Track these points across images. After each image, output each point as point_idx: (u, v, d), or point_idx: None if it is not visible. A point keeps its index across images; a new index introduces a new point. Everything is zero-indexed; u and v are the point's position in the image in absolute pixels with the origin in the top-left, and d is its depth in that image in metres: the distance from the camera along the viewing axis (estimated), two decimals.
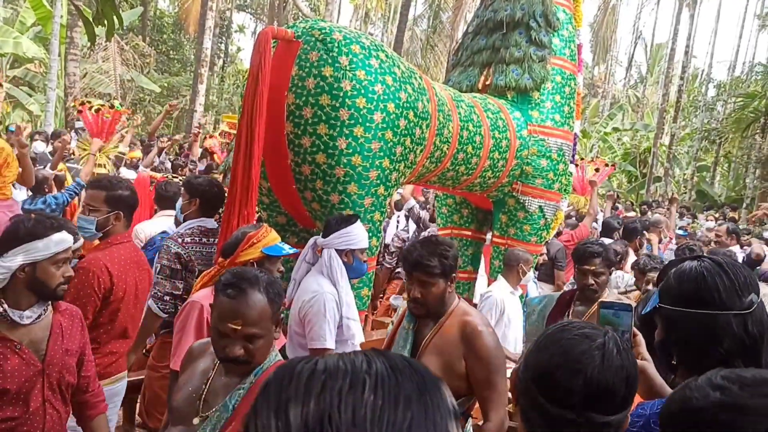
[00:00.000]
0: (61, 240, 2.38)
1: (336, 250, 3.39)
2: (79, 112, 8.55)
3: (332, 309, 3.30)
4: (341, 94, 3.58)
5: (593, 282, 3.51)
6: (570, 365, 1.23)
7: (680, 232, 10.76)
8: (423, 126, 3.99)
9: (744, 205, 20.78)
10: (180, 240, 3.61)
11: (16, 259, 2.28)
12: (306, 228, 4.14)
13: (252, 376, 1.99)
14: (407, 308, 2.81)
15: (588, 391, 1.21)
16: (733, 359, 1.43)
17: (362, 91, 3.61)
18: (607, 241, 7.59)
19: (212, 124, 26.82)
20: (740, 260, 6.81)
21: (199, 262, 3.60)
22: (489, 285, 5.24)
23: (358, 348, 3.36)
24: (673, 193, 12.92)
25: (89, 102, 9.05)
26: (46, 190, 5.98)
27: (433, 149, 4.20)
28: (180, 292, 3.53)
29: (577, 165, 10.59)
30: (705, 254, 1.64)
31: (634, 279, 5.68)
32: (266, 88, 3.43)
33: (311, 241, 3.53)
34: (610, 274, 6.03)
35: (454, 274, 2.70)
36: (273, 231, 3.04)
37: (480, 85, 5.26)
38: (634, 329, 1.55)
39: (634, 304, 1.59)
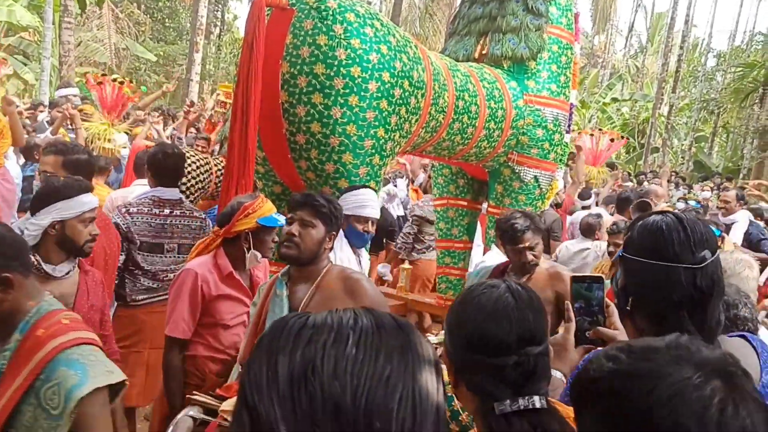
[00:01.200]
0: (88, 201, 2.60)
1: None
2: (100, 84, 8.44)
3: None
4: (336, 63, 3.57)
5: (531, 258, 3.44)
6: (494, 314, 1.36)
7: (692, 203, 10.74)
8: (418, 95, 3.99)
9: (741, 175, 20.80)
10: (123, 210, 3.61)
11: (48, 217, 2.50)
12: None
13: (17, 333, 1.82)
14: (279, 254, 2.74)
15: (517, 331, 1.34)
16: (681, 309, 1.52)
17: (357, 60, 3.60)
18: (596, 210, 7.65)
19: (209, 93, 26.67)
20: (746, 225, 6.74)
21: (144, 234, 3.58)
22: (484, 254, 5.28)
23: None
24: (662, 166, 12.72)
25: (107, 75, 8.96)
26: (37, 157, 6.00)
27: (429, 119, 4.20)
28: (120, 264, 3.53)
29: (592, 135, 10.45)
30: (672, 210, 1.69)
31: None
32: (261, 56, 3.42)
33: None
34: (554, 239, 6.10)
35: (334, 232, 2.67)
36: (268, 201, 3.07)
37: (476, 55, 5.23)
38: (607, 300, 1.60)
39: (605, 277, 1.64)
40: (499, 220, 3.59)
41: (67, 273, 2.59)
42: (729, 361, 0.90)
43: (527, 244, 3.38)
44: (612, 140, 10.47)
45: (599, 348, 1.64)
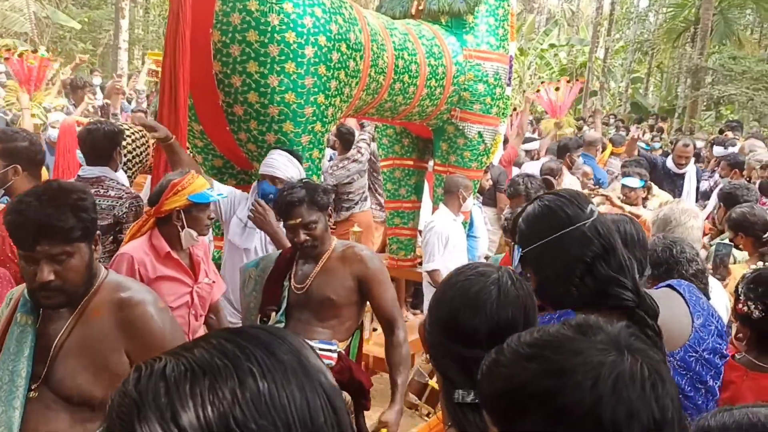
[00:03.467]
0: None
1: None
2: (6, 59, 8.00)
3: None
4: (269, 29, 3.44)
5: (304, 237, 2.80)
6: (470, 304, 1.31)
7: (642, 145, 10.70)
8: (357, 58, 3.89)
9: (676, 114, 21.31)
10: None
11: None
12: (244, 169, 4.04)
13: None
14: (26, 295, 1.86)
15: (490, 326, 1.29)
16: (598, 264, 1.59)
17: (291, 25, 3.48)
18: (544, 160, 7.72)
19: (140, 59, 25.71)
20: (695, 173, 6.77)
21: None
22: (433, 212, 5.28)
23: None
24: (595, 107, 12.33)
25: (13, 48, 8.53)
26: None
27: (369, 81, 4.11)
28: None
29: (538, 90, 10.29)
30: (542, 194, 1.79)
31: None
32: (188, 26, 3.27)
33: None
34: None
35: (99, 232, 1.91)
36: (200, 177, 2.94)
37: (413, 11, 5.13)
38: None
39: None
40: (280, 190, 2.98)
41: None
42: (629, 332, 0.94)
43: (299, 220, 2.78)
44: (557, 89, 10.17)
45: None
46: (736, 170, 6.64)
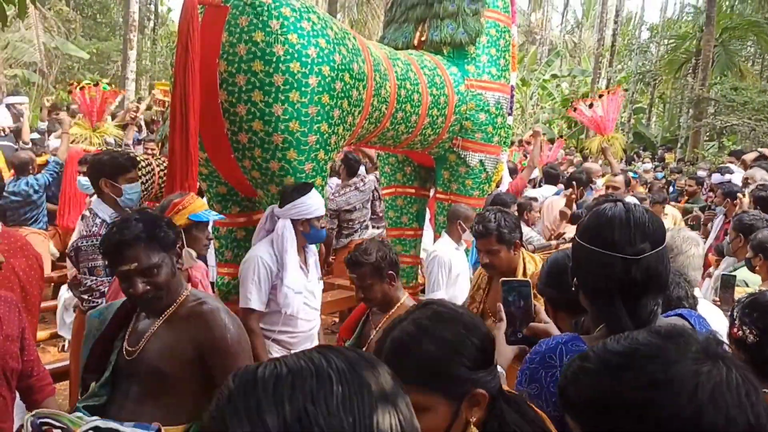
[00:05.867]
0: None
1: (291, 220, 3.53)
2: (70, 92, 8.34)
3: (261, 273, 3.45)
4: (274, 59, 3.52)
5: (146, 287, 2.13)
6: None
7: (630, 174, 10.46)
8: (360, 87, 3.97)
9: (679, 144, 21.41)
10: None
11: None
12: (248, 197, 4.10)
13: None
14: None
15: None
16: (615, 296, 1.56)
17: (296, 55, 3.56)
18: (549, 189, 7.75)
19: (146, 89, 26.01)
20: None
21: None
22: (435, 240, 5.31)
23: (291, 315, 3.50)
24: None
25: (78, 81, 8.83)
26: (30, 172, 6.00)
27: (372, 110, 4.19)
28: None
29: (591, 105, 9.67)
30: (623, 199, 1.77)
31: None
32: (197, 57, 3.35)
33: (269, 209, 3.64)
34: None
35: None
36: (200, 198, 3.04)
37: (415, 42, 5.23)
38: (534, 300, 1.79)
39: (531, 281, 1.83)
40: (109, 226, 2.38)
41: None
42: (716, 340, 0.95)
43: (134, 266, 2.10)
44: (600, 96, 9.42)
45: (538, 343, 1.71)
46: (728, 199, 6.58)
